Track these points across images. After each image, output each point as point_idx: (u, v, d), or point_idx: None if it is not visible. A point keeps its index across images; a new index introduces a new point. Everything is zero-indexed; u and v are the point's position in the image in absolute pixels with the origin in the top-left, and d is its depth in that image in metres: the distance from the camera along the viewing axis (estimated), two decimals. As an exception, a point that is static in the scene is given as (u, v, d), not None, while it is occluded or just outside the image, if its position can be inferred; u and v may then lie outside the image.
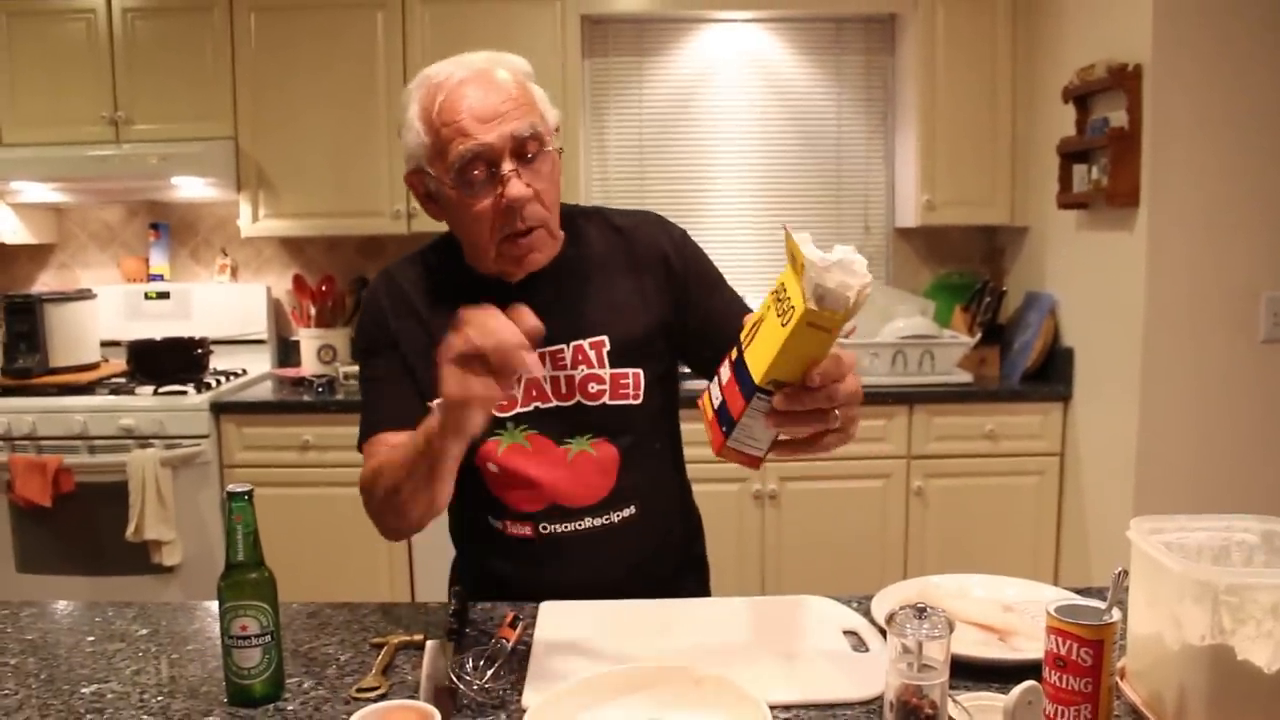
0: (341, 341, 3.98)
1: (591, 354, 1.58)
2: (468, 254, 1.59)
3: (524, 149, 1.46)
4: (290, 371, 3.97)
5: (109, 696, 1.28)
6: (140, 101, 3.73)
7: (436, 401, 1.26)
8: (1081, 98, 3.27)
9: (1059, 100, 3.38)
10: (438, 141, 1.46)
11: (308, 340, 3.96)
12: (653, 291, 1.63)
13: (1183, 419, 3.02)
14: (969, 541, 3.54)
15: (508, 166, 1.45)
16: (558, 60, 3.69)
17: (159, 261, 4.17)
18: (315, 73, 3.71)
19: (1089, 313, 3.38)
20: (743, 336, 1.19)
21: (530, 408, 1.57)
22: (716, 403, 1.20)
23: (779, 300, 1.12)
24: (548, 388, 1.57)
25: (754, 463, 1.18)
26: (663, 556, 1.71)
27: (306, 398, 3.57)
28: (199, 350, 3.80)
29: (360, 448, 1.59)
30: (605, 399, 1.58)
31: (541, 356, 1.56)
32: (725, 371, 1.20)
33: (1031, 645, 1.30)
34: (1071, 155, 3.35)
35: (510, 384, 1.23)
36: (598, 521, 1.59)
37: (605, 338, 1.58)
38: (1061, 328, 3.57)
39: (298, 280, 4.06)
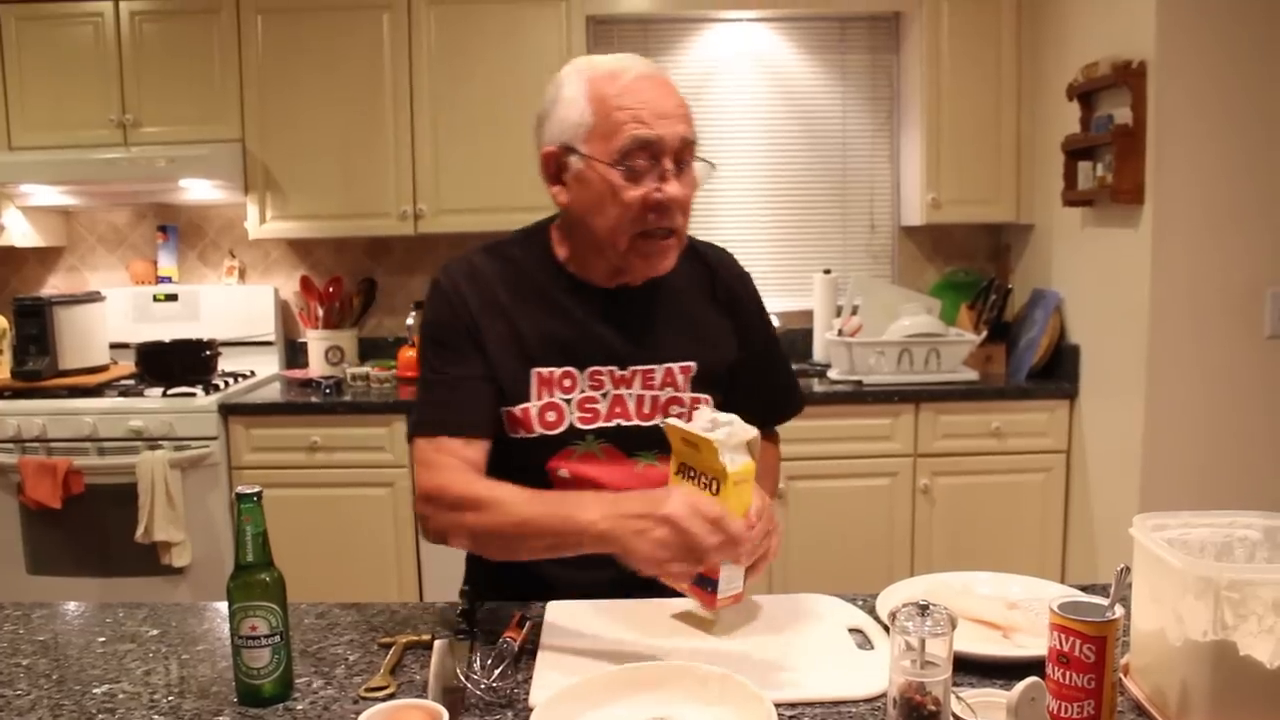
0: (349, 343, 4.00)
1: (680, 378, 1.61)
2: (582, 246, 1.58)
3: (684, 154, 1.49)
4: (298, 373, 3.98)
5: (120, 697, 1.29)
6: (148, 104, 3.75)
7: (630, 515, 1.31)
8: (1086, 95, 3.27)
9: (1064, 97, 3.38)
10: (606, 124, 1.47)
11: (315, 342, 3.98)
12: (729, 328, 1.69)
13: (1188, 415, 3.02)
14: (976, 539, 3.54)
15: (670, 165, 1.47)
16: (563, 61, 3.63)
17: (167, 264, 4.19)
18: (322, 74, 3.73)
19: (1095, 310, 3.38)
20: None
21: (613, 424, 1.59)
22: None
23: (693, 478, 1.37)
24: (631, 407, 1.59)
25: (735, 599, 1.38)
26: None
27: (314, 399, 3.58)
28: (207, 352, 3.82)
29: (414, 438, 1.56)
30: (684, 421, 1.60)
31: (631, 375, 1.59)
32: None
33: (1035, 642, 1.31)
34: (1076, 152, 3.35)
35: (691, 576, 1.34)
36: None
37: (694, 364, 1.62)
38: (1067, 325, 3.57)
39: (305, 282, 4.08)
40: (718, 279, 1.69)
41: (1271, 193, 2.93)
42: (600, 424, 1.58)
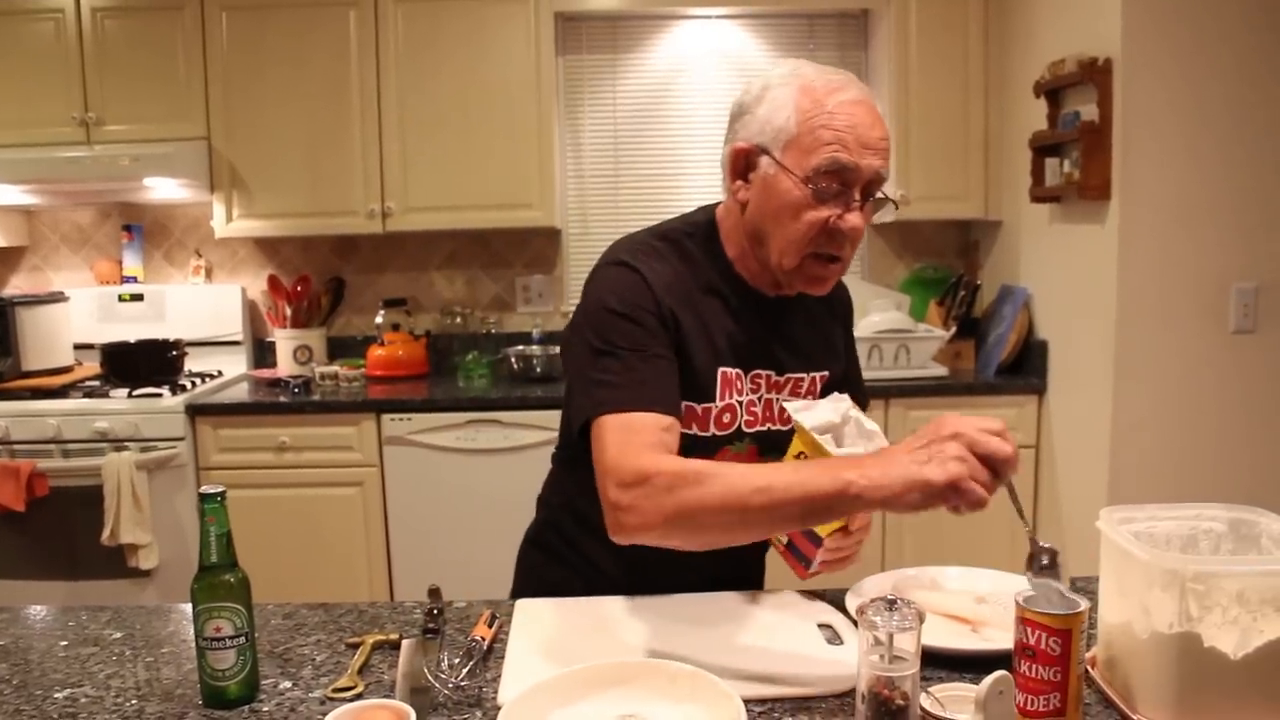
0: (317, 342, 3.97)
1: (820, 386, 1.65)
2: (755, 248, 1.54)
3: (872, 187, 1.46)
4: (266, 372, 3.95)
5: (82, 701, 1.27)
6: (111, 102, 3.71)
7: (905, 467, 1.18)
8: (1053, 92, 3.29)
9: (1031, 94, 3.40)
10: (809, 137, 1.43)
11: (283, 341, 3.95)
12: (838, 338, 1.74)
13: (1155, 410, 3.05)
14: (944, 534, 3.55)
15: (858, 195, 1.44)
16: (531, 57, 3.69)
17: (132, 263, 4.15)
18: (288, 72, 3.70)
19: (1062, 305, 3.40)
20: None
21: (764, 427, 1.60)
22: (785, 542, 1.49)
23: None
24: (776, 412, 1.61)
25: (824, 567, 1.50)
26: (755, 570, 1.86)
27: (283, 399, 3.55)
28: (173, 352, 3.78)
29: (600, 417, 1.39)
30: None
31: (785, 381, 1.61)
32: None
33: (1004, 636, 1.31)
34: (1043, 149, 3.37)
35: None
36: None
37: (828, 373, 1.66)
38: (1035, 321, 3.59)
39: (273, 281, 4.04)
40: (836, 294, 1.70)
41: (1237, 188, 2.96)
42: (758, 428, 1.59)
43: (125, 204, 4.13)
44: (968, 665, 1.26)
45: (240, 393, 3.72)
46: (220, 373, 3.97)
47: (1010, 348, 3.60)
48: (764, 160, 1.47)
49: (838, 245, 1.46)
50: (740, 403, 1.57)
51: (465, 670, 1.25)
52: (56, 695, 1.29)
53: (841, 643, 1.36)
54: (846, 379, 1.75)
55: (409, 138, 3.71)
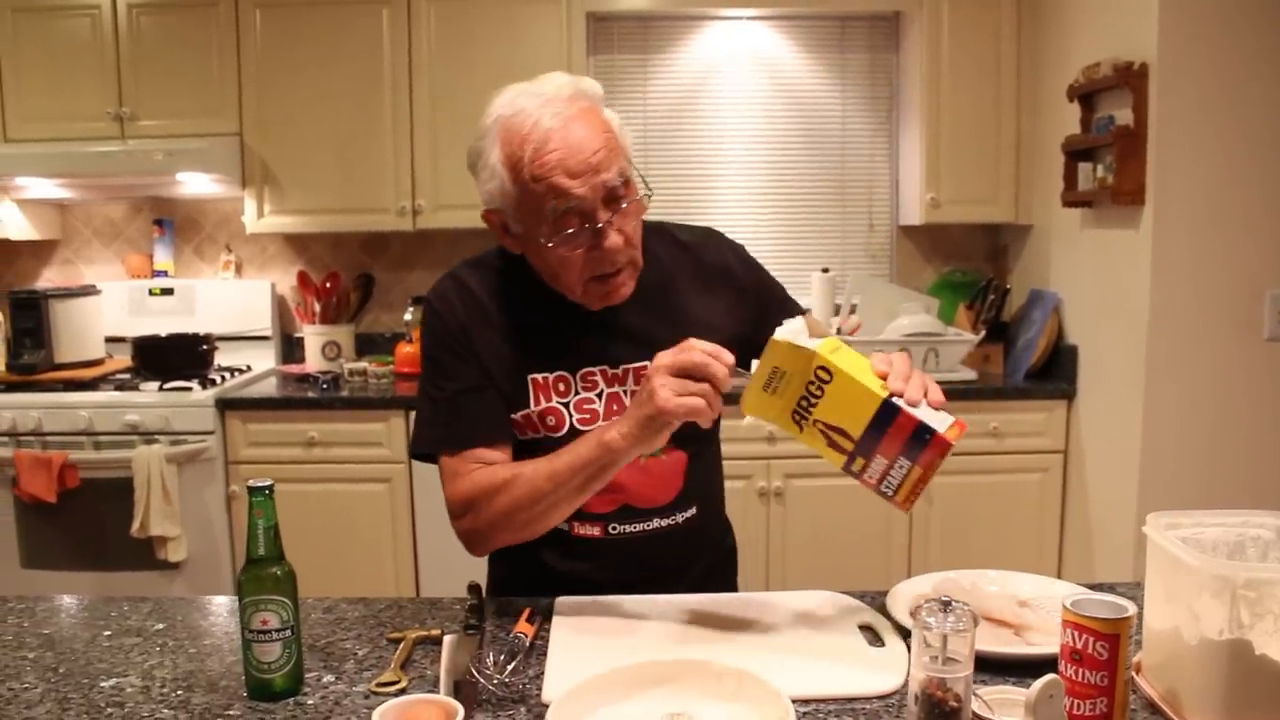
0: (346, 338, 3.99)
1: None
2: (548, 280, 1.57)
3: (615, 195, 1.45)
4: (294, 368, 3.97)
5: (128, 690, 1.28)
6: (145, 98, 3.73)
7: (636, 412, 1.37)
8: (1087, 96, 3.28)
9: (1064, 98, 3.39)
10: (527, 197, 1.44)
11: (312, 337, 3.97)
12: (723, 307, 1.65)
13: (1187, 417, 3.03)
14: (973, 538, 3.54)
15: (603, 217, 1.44)
16: (563, 57, 3.69)
17: (163, 258, 4.17)
18: (320, 69, 3.71)
19: (1093, 311, 3.39)
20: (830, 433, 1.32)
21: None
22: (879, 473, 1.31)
23: (808, 386, 1.30)
24: (629, 403, 1.58)
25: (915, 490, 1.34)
26: (710, 551, 1.76)
27: (311, 394, 3.57)
28: (204, 346, 3.80)
29: (435, 458, 1.59)
30: None
31: (624, 373, 1.59)
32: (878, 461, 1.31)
33: (1047, 640, 1.31)
34: (1076, 153, 3.35)
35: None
36: (665, 522, 1.62)
37: None
38: (1065, 326, 3.58)
39: (302, 277, 4.07)
40: (701, 261, 1.66)
41: (1272, 195, 2.94)
42: (600, 423, 1.57)
43: (157, 198, 4.16)
44: (1012, 669, 1.26)
45: (269, 388, 3.74)
46: (249, 367, 3.99)
47: (1040, 352, 3.59)
48: (510, 223, 1.51)
49: (610, 264, 1.47)
50: (566, 404, 1.57)
51: (510, 667, 1.25)
52: (103, 684, 1.30)
53: (883, 645, 1.36)
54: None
55: (440, 135, 3.73)
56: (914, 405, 1.26)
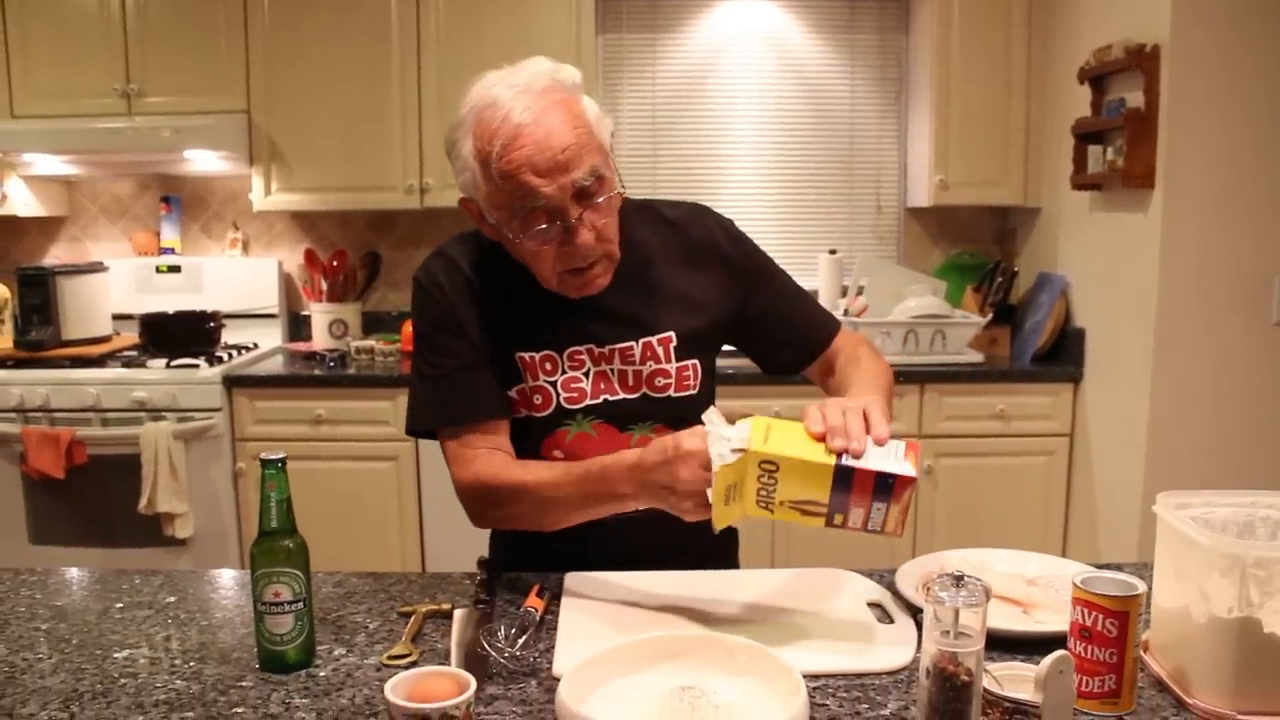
0: (353, 316, 3.99)
1: (660, 350, 1.59)
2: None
3: (586, 192, 1.43)
4: (301, 346, 3.98)
5: (141, 661, 1.29)
6: (152, 74, 3.73)
7: (652, 481, 1.33)
8: (1097, 78, 3.26)
9: (1074, 81, 3.38)
10: (497, 192, 1.42)
11: (319, 315, 3.97)
12: (711, 284, 1.63)
13: (1194, 401, 3.03)
14: (979, 521, 3.55)
15: (574, 214, 1.42)
16: (571, 35, 3.68)
17: (170, 235, 4.17)
18: (328, 46, 3.71)
19: (1101, 294, 3.38)
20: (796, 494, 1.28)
21: (600, 400, 1.58)
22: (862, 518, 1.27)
23: (749, 491, 1.28)
24: (615, 382, 1.58)
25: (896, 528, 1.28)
26: (706, 533, 1.71)
27: (318, 372, 3.58)
28: (211, 324, 3.81)
29: (435, 434, 1.60)
30: (670, 391, 1.60)
31: (610, 352, 1.58)
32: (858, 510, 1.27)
33: (1056, 618, 1.32)
34: (1086, 136, 3.34)
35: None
36: None
37: (673, 333, 1.59)
38: (1073, 309, 3.58)
39: (309, 255, 4.07)
40: (688, 238, 1.64)
41: (1282, 179, 2.93)
42: (587, 402, 1.58)
43: (164, 175, 4.16)
44: (1021, 647, 1.26)
45: (275, 365, 3.75)
46: (256, 345, 4.00)
47: (1047, 335, 3.59)
48: (484, 213, 1.49)
49: (582, 258, 1.46)
50: (553, 383, 1.57)
51: (521, 640, 1.26)
52: (116, 655, 1.31)
53: (892, 621, 1.36)
54: (776, 310, 1.68)
55: (448, 113, 3.66)
56: (862, 456, 1.24)
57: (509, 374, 1.58)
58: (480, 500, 1.54)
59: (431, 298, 1.58)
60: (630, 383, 1.59)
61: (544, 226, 1.42)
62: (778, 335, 1.69)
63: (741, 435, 1.23)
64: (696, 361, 1.62)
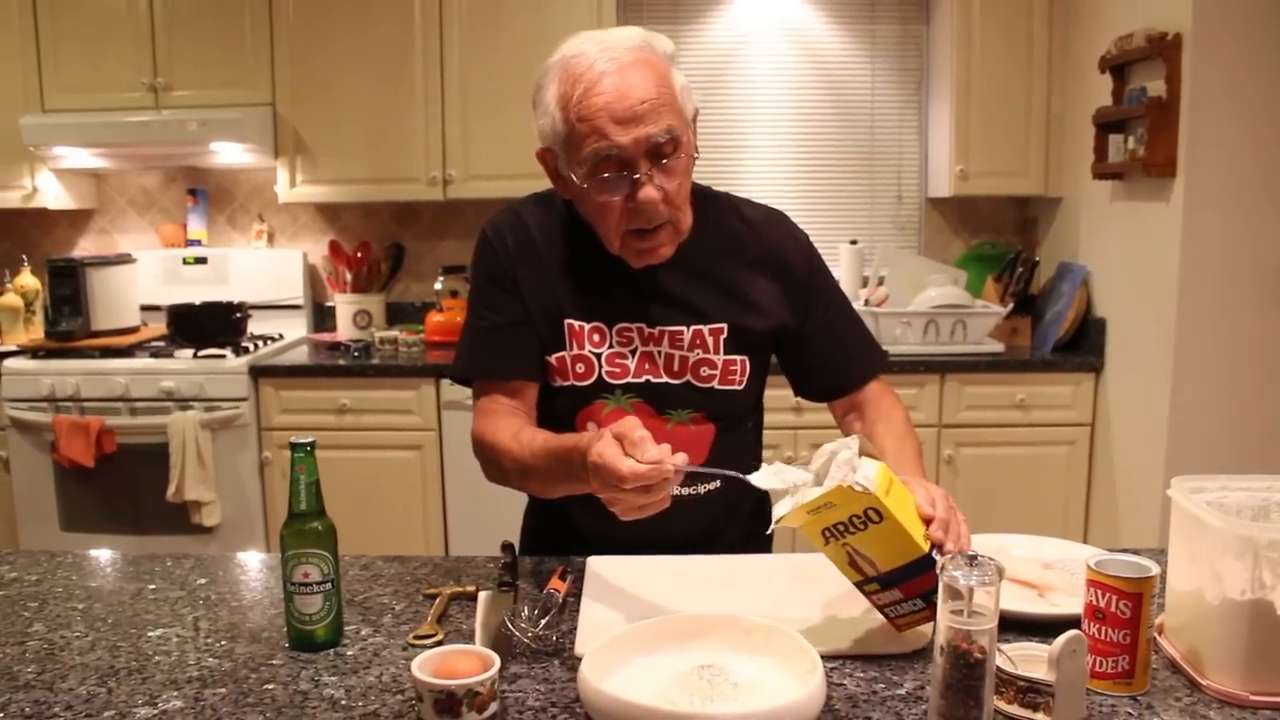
0: (377, 307, 4.03)
1: (710, 340, 1.60)
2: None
3: (660, 151, 1.44)
4: (326, 336, 4.01)
5: (174, 640, 1.33)
6: (179, 68, 3.77)
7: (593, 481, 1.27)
8: (1119, 67, 3.26)
9: (1095, 70, 3.37)
10: (572, 134, 1.45)
11: (344, 305, 4.01)
12: (775, 292, 1.64)
13: (1215, 391, 3.02)
14: (999, 510, 3.55)
15: (642, 169, 1.44)
16: (593, 27, 3.68)
17: (196, 227, 4.22)
18: (353, 39, 3.74)
19: (1122, 284, 3.38)
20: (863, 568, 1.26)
21: (642, 379, 1.59)
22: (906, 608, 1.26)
23: (846, 532, 1.22)
24: (660, 365, 1.59)
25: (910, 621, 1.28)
26: (743, 522, 1.73)
27: (343, 362, 3.61)
28: (237, 314, 3.85)
29: (468, 382, 1.66)
30: (715, 383, 1.61)
31: (660, 334, 1.59)
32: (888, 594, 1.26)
33: (1071, 601, 1.33)
34: (1107, 125, 3.34)
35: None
36: (685, 491, 1.59)
37: (725, 325, 1.60)
38: (1094, 298, 3.57)
39: (334, 246, 4.10)
40: (761, 240, 1.65)
41: (1305, 167, 2.92)
42: (629, 379, 1.59)
43: (191, 168, 4.20)
44: (1035, 629, 1.28)
45: (301, 355, 3.79)
46: (281, 336, 4.04)
47: (1068, 325, 3.58)
48: (559, 161, 1.52)
49: (645, 220, 1.47)
50: (598, 355, 1.59)
51: (544, 621, 1.29)
52: (150, 634, 1.35)
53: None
54: (827, 334, 1.68)
55: (471, 105, 3.74)
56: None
57: (555, 338, 1.59)
58: (479, 455, 1.59)
59: (494, 251, 1.62)
60: (675, 368, 1.60)
61: (610, 176, 1.44)
62: (818, 359, 1.70)
63: (868, 475, 1.19)
64: (745, 359, 1.62)
